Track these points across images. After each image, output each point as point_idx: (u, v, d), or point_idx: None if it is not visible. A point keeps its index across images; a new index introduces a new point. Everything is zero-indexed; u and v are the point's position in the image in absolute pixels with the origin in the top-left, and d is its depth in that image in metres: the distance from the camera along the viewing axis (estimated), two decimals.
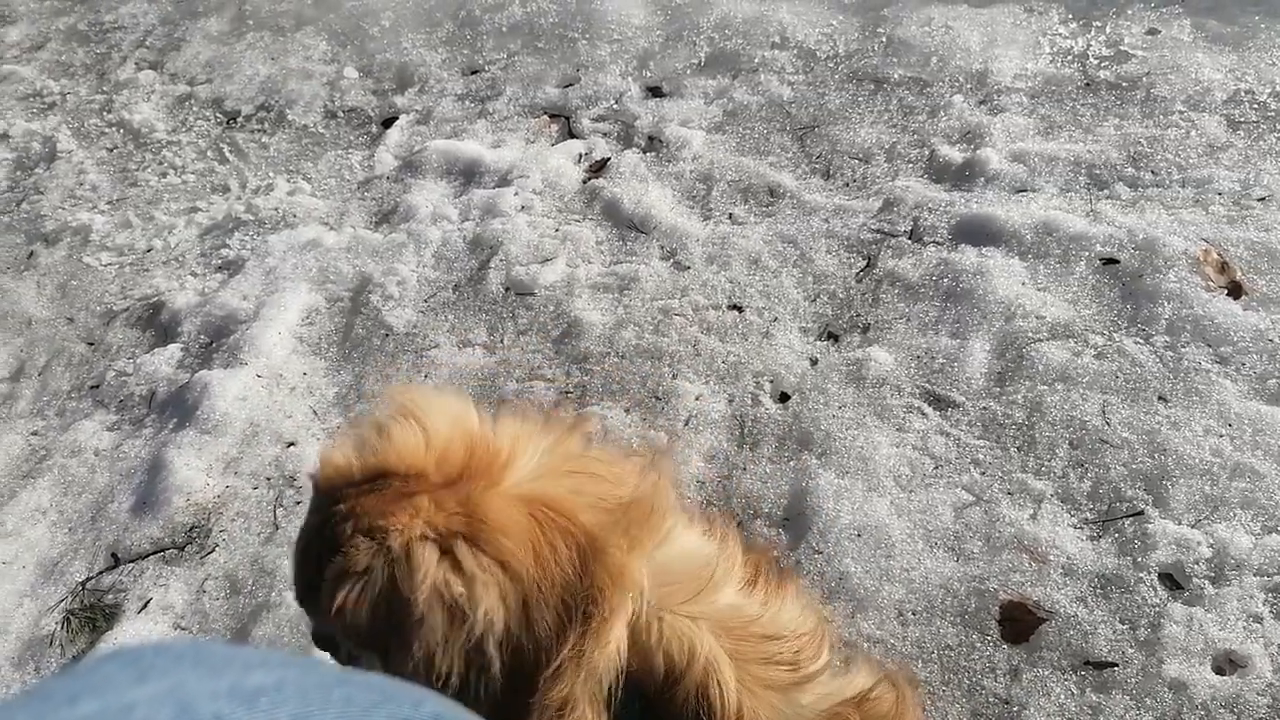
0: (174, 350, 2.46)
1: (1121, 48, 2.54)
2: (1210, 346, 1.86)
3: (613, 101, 2.90)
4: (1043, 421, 1.83)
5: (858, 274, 2.22)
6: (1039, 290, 2.05)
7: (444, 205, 2.66)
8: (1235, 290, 1.94)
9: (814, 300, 2.20)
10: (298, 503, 2.02)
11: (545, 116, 2.94)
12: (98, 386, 2.47)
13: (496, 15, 3.31)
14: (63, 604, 1.99)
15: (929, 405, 1.93)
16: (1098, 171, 2.26)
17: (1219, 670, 1.49)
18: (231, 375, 2.28)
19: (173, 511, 2.07)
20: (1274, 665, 1.47)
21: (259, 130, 3.20)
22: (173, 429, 2.24)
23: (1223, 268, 1.98)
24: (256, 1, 3.75)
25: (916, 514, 1.77)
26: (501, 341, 2.28)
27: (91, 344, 2.62)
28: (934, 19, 2.76)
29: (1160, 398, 1.81)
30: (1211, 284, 1.95)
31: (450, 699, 0.82)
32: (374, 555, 0.95)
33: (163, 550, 2.03)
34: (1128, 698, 1.47)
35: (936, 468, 1.83)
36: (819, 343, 2.12)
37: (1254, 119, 2.30)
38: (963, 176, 2.36)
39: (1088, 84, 2.48)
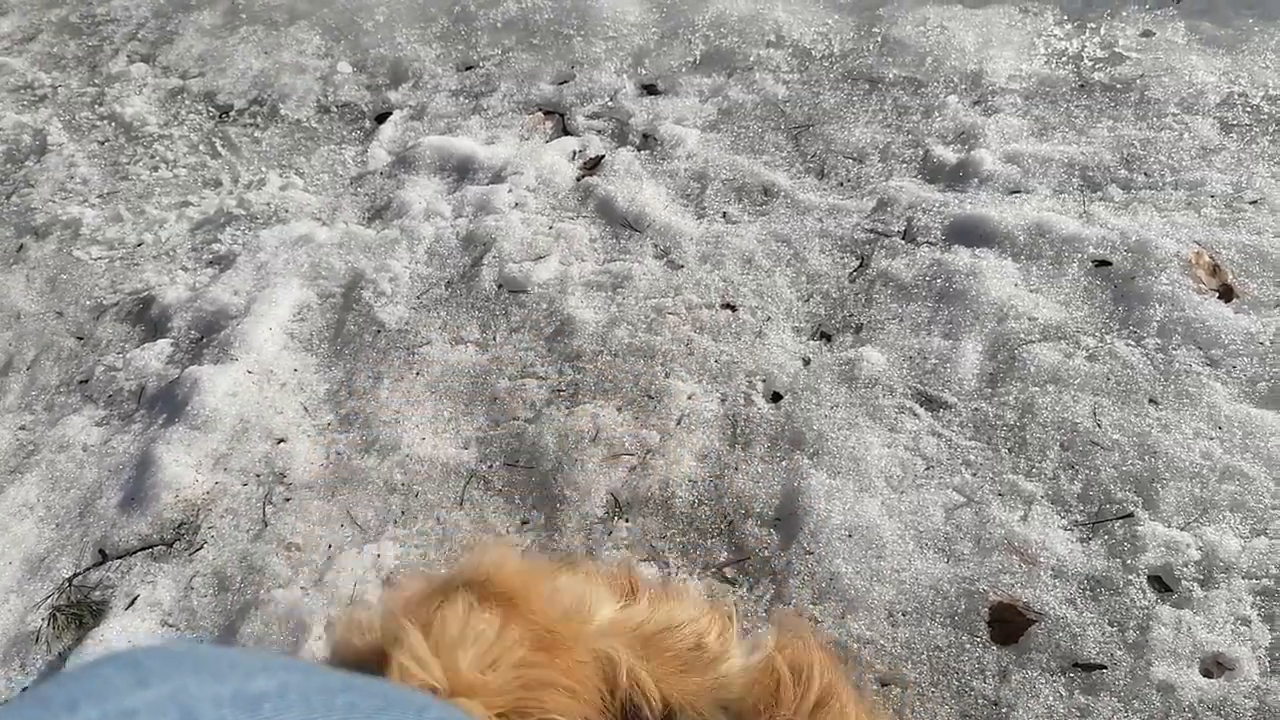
0: (164, 345, 2.45)
1: (1116, 49, 2.54)
2: (1201, 349, 1.86)
3: (607, 99, 2.90)
4: (1034, 423, 1.83)
5: (851, 274, 2.22)
6: (1031, 292, 2.05)
7: (437, 201, 2.65)
8: (1227, 293, 1.95)
9: (807, 300, 2.20)
10: (287, 500, 2.02)
11: (539, 113, 2.93)
12: (87, 381, 2.46)
13: (491, 11, 3.29)
14: (49, 600, 1.98)
15: (921, 406, 1.93)
16: (1091, 173, 2.26)
17: (1207, 673, 1.49)
18: (222, 371, 2.27)
19: (161, 508, 2.06)
20: (1261, 668, 1.47)
21: (251, 125, 3.18)
22: (162, 424, 2.23)
23: (1214, 270, 1.98)
24: None
25: (907, 515, 1.77)
26: (494, 339, 2.28)
27: (81, 338, 2.61)
28: (929, 19, 2.75)
29: (1151, 400, 1.81)
30: (1203, 287, 1.96)
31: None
32: None
33: (151, 547, 2.02)
34: (1116, 700, 1.48)
35: (928, 468, 1.83)
36: (812, 342, 2.11)
37: (1247, 122, 2.31)
38: (957, 177, 2.36)
39: (1082, 85, 2.48)
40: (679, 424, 2.01)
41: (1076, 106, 2.43)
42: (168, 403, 2.28)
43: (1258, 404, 1.78)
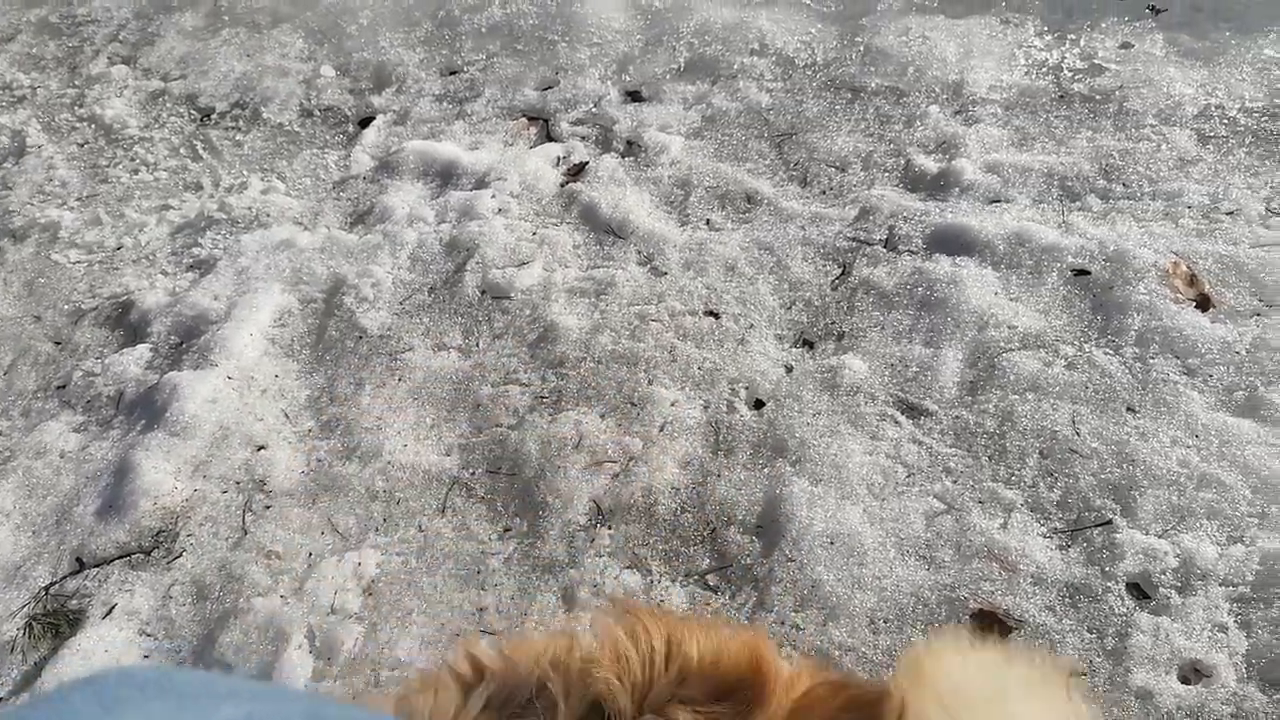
0: (143, 350, 2.42)
1: (1095, 61, 2.57)
2: (1178, 358, 1.89)
3: (591, 105, 2.90)
4: (1013, 431, 1.85)
5: (833, 282, 2.23)
6: (1011, 300, 2.07)
7: (420, 207, 2.64)
8: (1203, 303, 1.97)
9: (790, 307, 2.21)
10: (267, 507, 2.00)
11: (524, 119, 2.93)
12: (64, 387, 2.43)
13: (476, 16, 3.29)
14: (25, 609, 1.96)
15: (902, 413, 1.94)
16: (1070, 183, 2.28)
17: (1185, 680, 1.51)
18: (201, 377, 2.25)
19: (139, 515, 2.04)
20: (1238, 675, 1.49)
21: (233, 128, 3.16)
22: (140, 431, 2.21)
23: (1191, 280, 2.00)
24: None
25: (889, 522, 1.77)
26: (477, 345, 2.27)
27: (59, 343, 2.58)
28: (911, 29, 2.77)
29: (1129, 408, 1.83)
30: (1180, 296, 1.98)
31: None
32: None
33: (128, 555, 2.00)
34: (1095, 708, 1.49)
35: (909, 476, 1.84)
36: (794, 350, 2.12)
37: (1223, 134, 2.34)
38: (938, 186, 2.37)
39: (1061, 96, 2.50)
40: (662, 431, 2.01)
41: (1056, 117, 2.46)
42: (147, 409, 2.26)
43: (1234, 413, 1.80)
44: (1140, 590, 1.60)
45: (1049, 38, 2.67)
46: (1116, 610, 1.58)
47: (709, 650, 0.98)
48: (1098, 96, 2.48)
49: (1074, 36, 2.65)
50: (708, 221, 2.46)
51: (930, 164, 2.42)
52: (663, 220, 2.50)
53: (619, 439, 2.01)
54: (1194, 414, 1.80)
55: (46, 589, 1.99)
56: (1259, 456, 1.72)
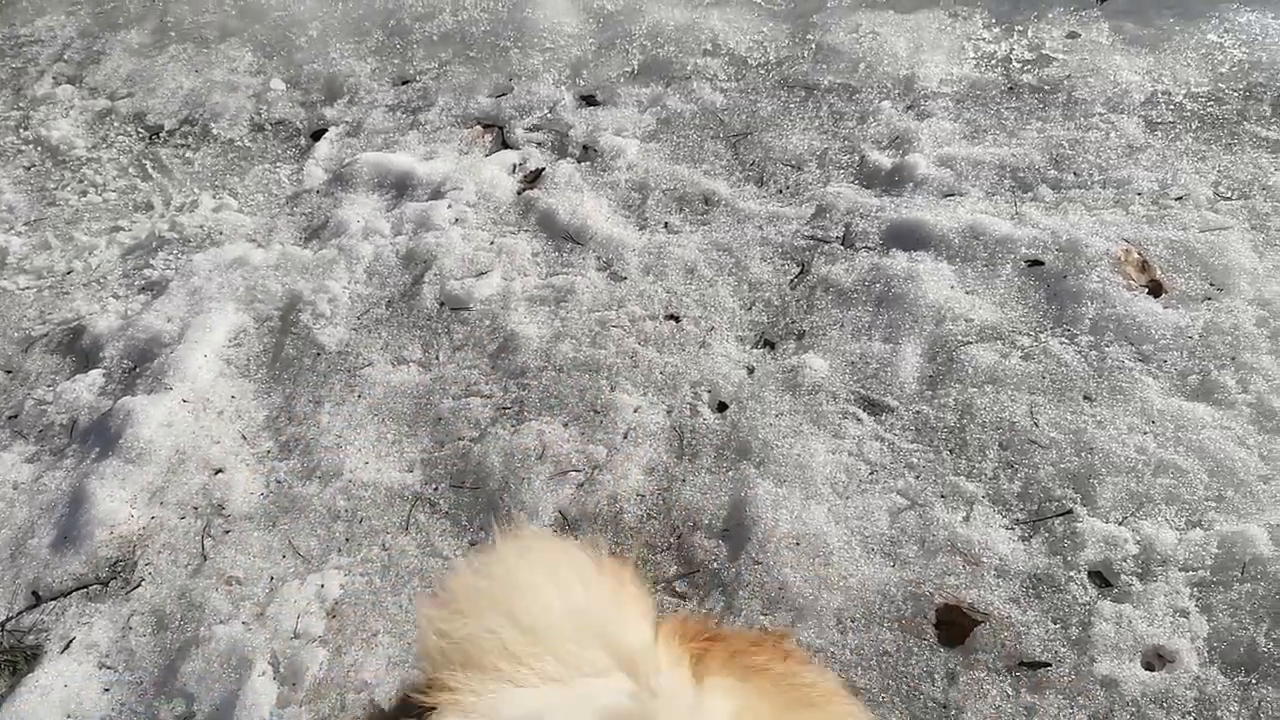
0: (96, 376, 2.37)
1: (1043, 51, 2.59)
2: (1133, 345, 1.90)
3: (546, 111, 2.88)
4: (973, 424, 1.86)
5: (792, 281, 2.23)
6: (967, 293, 2.08)
7: (376, 219, 2.61)
8: (1156, 289, 1.99)
9: (750, 308, 2.20)
10: (227, 532, 1.97)
11: (478, 127, 2.91)
12: (16, 416, 2.38)
13: (427, 24, 3.26)
14: None
15: (864, 411, 1.95)
16: (1022, 174, 2.30)
17: (1148, 666, 1.52)
18: (156, 401, 2.21)
19: (96, 545, 2.00)
20: (1201, 659, 1.50)
21: (183, 145, 3.11)
22: (95, 459, 2.16)
23: (1143, 267, 2.02)
24: (179, 12, 3.65)
25: (853, 520, 1.78)
26: (437, 358, 2.25)
27: (9, 372, 2.52)
28: (861, 25, 2.78)
29: (1086, 397, 1.85)
30: (1133, 283, 2.00)
31: None
32: None
33: (86, 586, 1.96)
34: (1061, 697, 1.50)
35: (872, 473, 1.84)
36: (755, 351, 2.12)
37: (1171, 120, 2.36)
38: (892, 182, 2.38)
39: (1011, 88, 2.52)
40: (625, 438, 2.00)
41: (1006, 108, 2.47)
42: (100, 436, 2.21)
43: (1188, 397, 1.82)
44: (1102, 578, 1.61)
45: (997, 29, 2.69)
46: (1079, 600, 1.59)
47: None
48: (1046, 87, 2.50)
49: (1021, 27, 2.67)
50: (666, 224, 2.46)
51: (884, 160, 2.43)
52: (621, 225, 2.49)
53: (583, 447, 2.00)
54: (1149, 400, 1.81)
55: (2, 625, 1.94)
56: (1214, 440, 1.74)
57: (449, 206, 2.58)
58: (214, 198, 2.85)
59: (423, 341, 2.29)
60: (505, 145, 2.83)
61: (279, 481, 2.04)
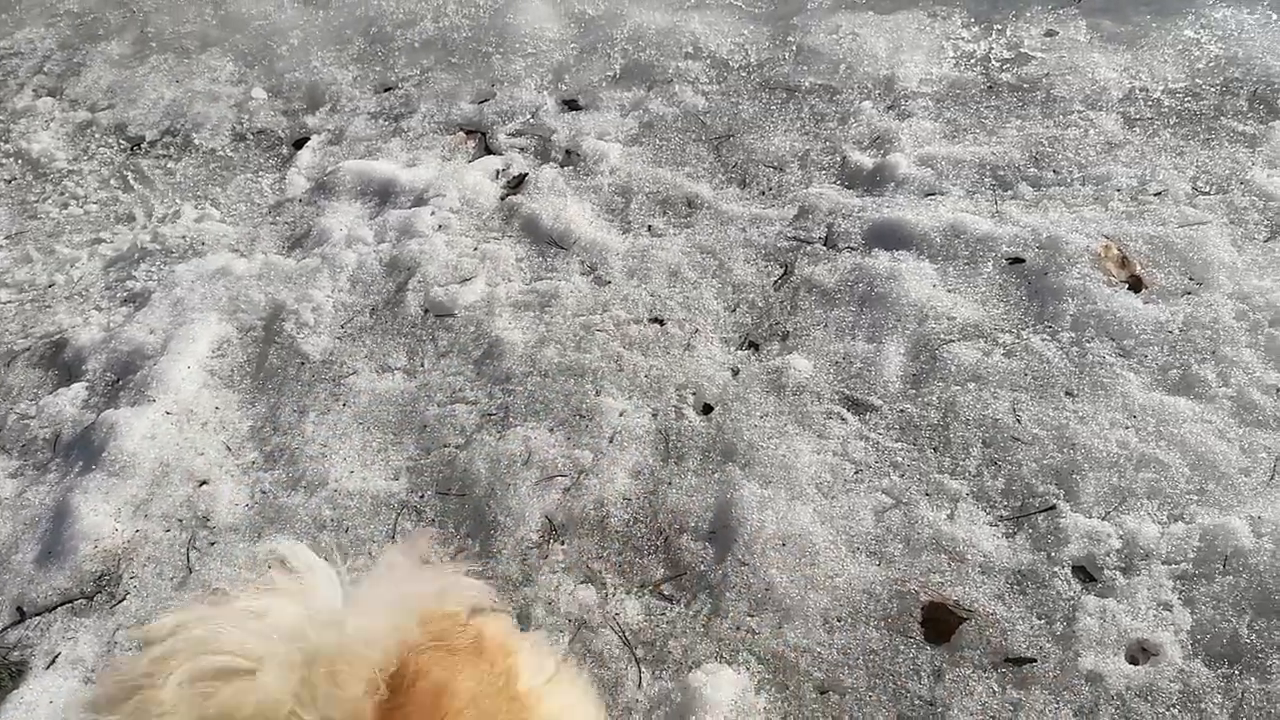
0: (79, 389, 2.36)
1: (1022, 50, 2.60)
2: (1113, 340, 1.91)
3: (529, 116, 2.88)
4: (956, 421, 1.86)
5: (775, 282, 2.23)
6: (949, 292, 2.08)
7: (359, 227, 2.61)
8: (1136, 284, 2.00)
9: (734, 310, 2.21)
10: (212, 544, 1.96)
11: (461, 133, 2.91)
12: None
13: (408, 31, 3.26)
14: None
15: (848, 410, 1.95)
16: (1002, 172, 2.31)
17: (1132, 660, 1.52)
18: (139, 413, 2.19)
19: (80, 560, 1.99)
20: (1184, 652, 1.51)
21: (164, 156, 3.10)
22: (79, 473, 2.15)
23: (1123, 262, 2.03)
24: (159, 23, 3.64)
25: (839, 520, 1.78)
26: (422, 365, 2.24)
27: None
28: (841, 26, 2.80)
29: (1067, 393, 1.85)
30: (1113, 279, 2.01)
31: None
32: None
33: (71, 601, 1.95)
34: (1046, 692, 1.50)
35: (857, 473, 1.84)
36: (740, 352, 2.12)
37: (1149, 115, 2.38)
38: (874, 182, 2.39)
39: (990, 86, 2.53)
40: (611, 442, 2.00)
41: (986, 107, 2.49)
42: (84, 449, 2.20)
43: (1169, 391, 1.83)
44: (1086, 573, 1.62)
45: (976, 29, 2.70)
46: (1064, 594, 1.60)
47: None
48: (1025, 85, 2.51)
49: (1000, 26, 2.68)
50: (649, 228, 2.46)
51: (866, 160, 2.44)
52: (604, 229, 2.49)
53: (569, 452, 1.99)
54: (1131, 395, 1.82)
55: None
56: (1195, 434, 1.75)
57: (432, 213, 2.58)
58: (196, 208, 2.84)
59: (407, 349, 2.28)
60: (488, 151, 2.83)
61: (264, 492, 2.04)
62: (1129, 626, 1.54)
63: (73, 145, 3.25)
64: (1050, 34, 2.63)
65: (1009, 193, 2.27)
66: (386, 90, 3.12)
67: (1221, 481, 1.68)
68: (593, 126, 2.79)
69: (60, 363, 2.49)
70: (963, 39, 2.68)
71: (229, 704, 0.82)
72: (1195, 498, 1.67)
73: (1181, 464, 1.72)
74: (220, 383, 2.29)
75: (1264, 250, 2.02)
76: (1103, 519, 1.67)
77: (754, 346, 2.13)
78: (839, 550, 1.74)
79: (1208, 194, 2.17)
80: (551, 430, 2.04)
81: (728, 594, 1.72)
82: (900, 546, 1.72)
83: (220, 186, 2.92)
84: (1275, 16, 2.52)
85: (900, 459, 1.84)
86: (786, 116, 2.64)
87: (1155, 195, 2.18)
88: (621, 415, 2.04)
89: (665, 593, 1.76)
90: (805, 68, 2.73)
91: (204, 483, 2.07)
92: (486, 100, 2.98)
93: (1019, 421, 1.83)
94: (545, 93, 2.95)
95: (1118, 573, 1.61)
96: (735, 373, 2.07)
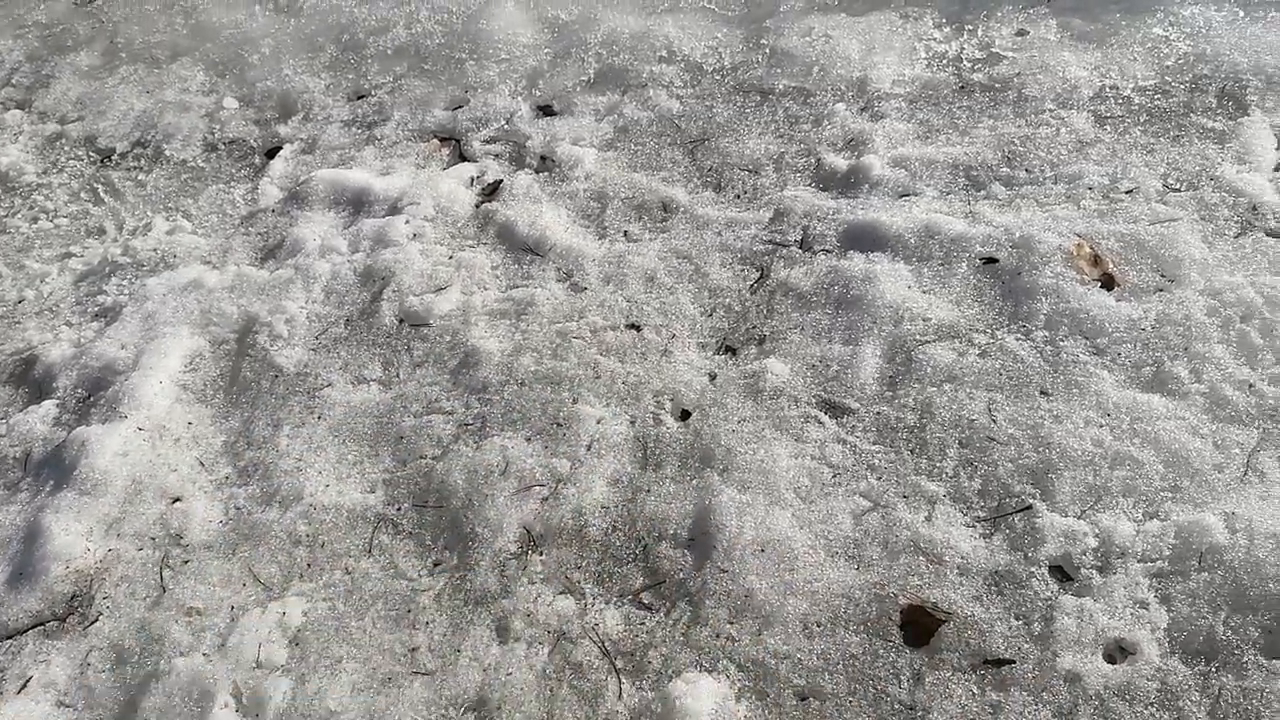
0: (49, 407, 2.33)
1: (993, 50, 2.61)
2: (1087, 338, 1.92)
3: (503, 122, 2.87)
4: (933, 423, 1.86)
5: (752, 286, 2.23)
6: (924, 293, 2.09)
7: (332, 237, 2.59)
8: (1108, 282, 2.01)
9: (710, 315, 2.20)
10: (185, 562, 1.93)
11: (435, 140, 2.89)
12: None
13: (381, 38, 3.24)
14: None
15: (825, 413, 1.95)
16: (975, 172, 2.32)
17: (1110, 659, 1.53)
18: (111, 430, 2.17)
19: (51, 581, 1.96)
20: (1161, 650, 1.51)
21: (135, 168, 3.07)
22: (49, 492, 2.12)
23: (1095, 260, 2.04)
24: (129, 33, 3.60)
25: (817, 524, 1.77)
26: (397, 375, 2.23)
27: None
28: (814, 28, 2.80)
29: (1042, 392, 1.86)
30: (1086, 277, 2.02)
31: None
32: None
33: (43, 623, 1.92)
34: (1025, 694, 1.50)
35: (835, 476, 1.84)
36: (717, 357, 2.12)
37: (1119, 114, 2.39)
38: (848, 184, 2.39)
39: (962, 87, 2.54)
40: (589, 450, 1.99)
41: (958, 108, 2.49)
42: (55, 468, 2.17)
43: (1143, 388, 1.84)
44: (1063, 572, 1.62)
45: (947, 29, 2.71)
46: (1041, 595, 1.60)
47: None
48: (997, 85, 2.52)
49: (971, 27, 2.69)
50: (625, 233, 2.45)
51: (840, 162, 2.44)
52: (580, 235, 2.48)
53: (546, 461, 1.98)
54: (1105, 393, 1.83)
55: None
56: (1169, 431, 1.75)
57: (407, 222, 2.56)
58: (167, 220, 2.82)
59: (383, 360, 2.26)
60: (463, 158, 2.82)
61: (238, 508, 2.01)
62: (1106, 625, 1.55)
63: (42, 158, 3.22)
64: (1021, 33, 2.64)
65: (982, 193, 2.27)
66: (359, 98, 3.10)
67: (1196, 478, 1.69)
68: (567, 132, 2.78)
69: (30, 380, 2.45)
70: (934, 39, 2.69)
71: None
72: (1170, 495, 1.68)
73: (1156, 461, 1.72)
74: (193, 397, 2.27)
75: (1234, 246, 2.04)
76: (1079, 518, 1.68)
77: (731, 351, 2.12)
78: (818, 555, 1.73)
79: (1178, 191, 2.18)
80: (529, 439, 2.03)
81: (707, 601, 1.71)
82: (878, 550, 1.71)
83: (192, 198, 2.89)
84: (1242, 13, 2.55)
85: (878, 461, 1.84)
86: (761, 119, 2.64)
87: (1126, 193, 2.19)
88: (599, 423, 2.03)
89: (645, 601, 1.76)
90: (779, 70, 2.73)
91: (177, 500, 2.05)
92: (460, 107, 2.96)
93: (995, 422, 1.83)
94: (519, 98, 2.94)
95: (1094, 572, 1.61)
96: (713, 378, 2.07)
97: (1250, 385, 1.79)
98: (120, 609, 1.90)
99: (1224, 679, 1.46)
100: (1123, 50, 2.54)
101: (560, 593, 1.78)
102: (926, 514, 1.74)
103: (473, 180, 2.72)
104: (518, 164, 2.74)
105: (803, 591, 1.69)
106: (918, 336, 2.00)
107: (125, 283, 2.62)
